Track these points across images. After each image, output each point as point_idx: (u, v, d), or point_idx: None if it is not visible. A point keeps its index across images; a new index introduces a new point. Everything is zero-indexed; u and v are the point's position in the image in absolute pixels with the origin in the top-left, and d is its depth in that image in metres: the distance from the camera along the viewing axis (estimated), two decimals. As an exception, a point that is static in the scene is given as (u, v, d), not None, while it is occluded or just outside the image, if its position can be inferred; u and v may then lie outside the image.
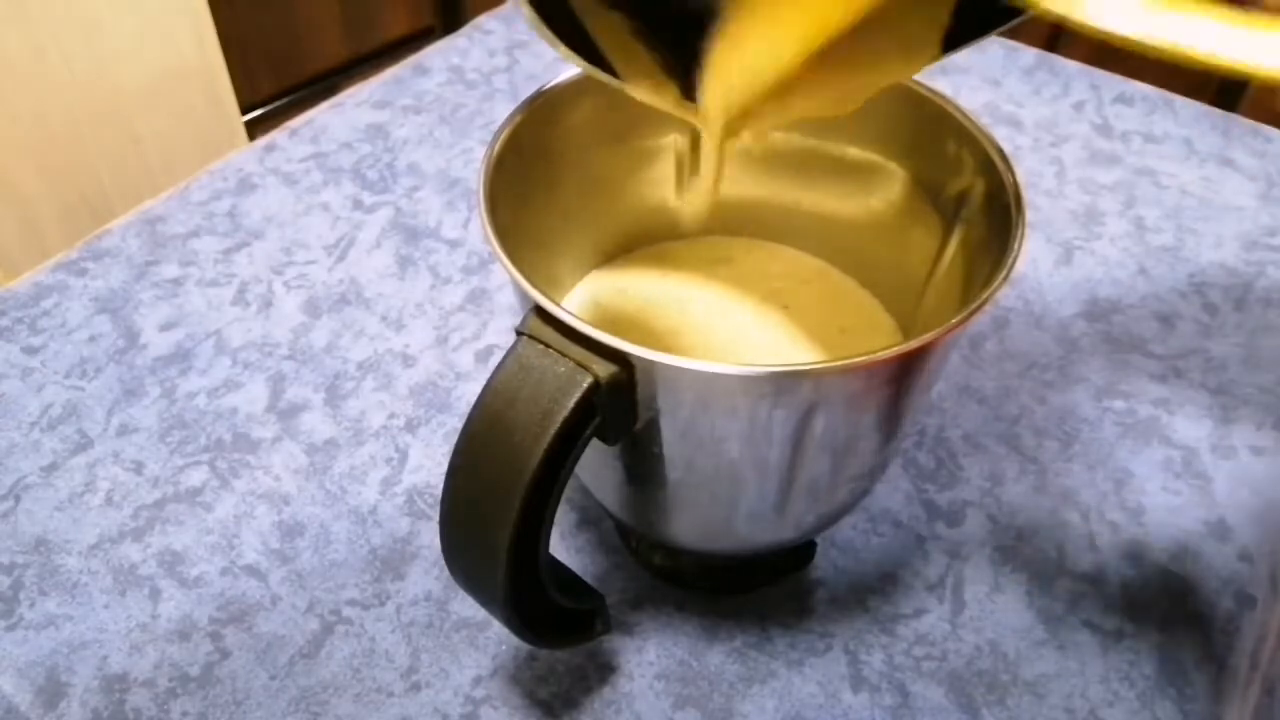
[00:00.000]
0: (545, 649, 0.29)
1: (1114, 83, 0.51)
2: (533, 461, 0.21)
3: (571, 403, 0.21)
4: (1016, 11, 0.18)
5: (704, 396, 0.22)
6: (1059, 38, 1.01)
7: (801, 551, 0.31)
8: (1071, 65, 0.52)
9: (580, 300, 0.31)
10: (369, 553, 0.32)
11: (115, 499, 0.33)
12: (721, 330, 0.29)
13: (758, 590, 0.31)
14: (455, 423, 0.35)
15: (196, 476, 0.34)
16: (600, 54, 0.24)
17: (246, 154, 0.46)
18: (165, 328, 0.38)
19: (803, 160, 0.30)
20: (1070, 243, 0.43)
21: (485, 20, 0.55)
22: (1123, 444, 0.35)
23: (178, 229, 0.42)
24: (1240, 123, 0.49)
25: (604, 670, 0.29)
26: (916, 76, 0.27)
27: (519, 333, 0.22)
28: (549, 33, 0.23)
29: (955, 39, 0.22)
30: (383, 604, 0.30)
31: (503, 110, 0.49)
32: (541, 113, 0.27)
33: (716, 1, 0.21)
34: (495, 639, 0.29)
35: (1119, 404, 0.36)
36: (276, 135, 0.47)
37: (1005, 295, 0.40)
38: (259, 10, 0.99)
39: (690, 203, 0.31)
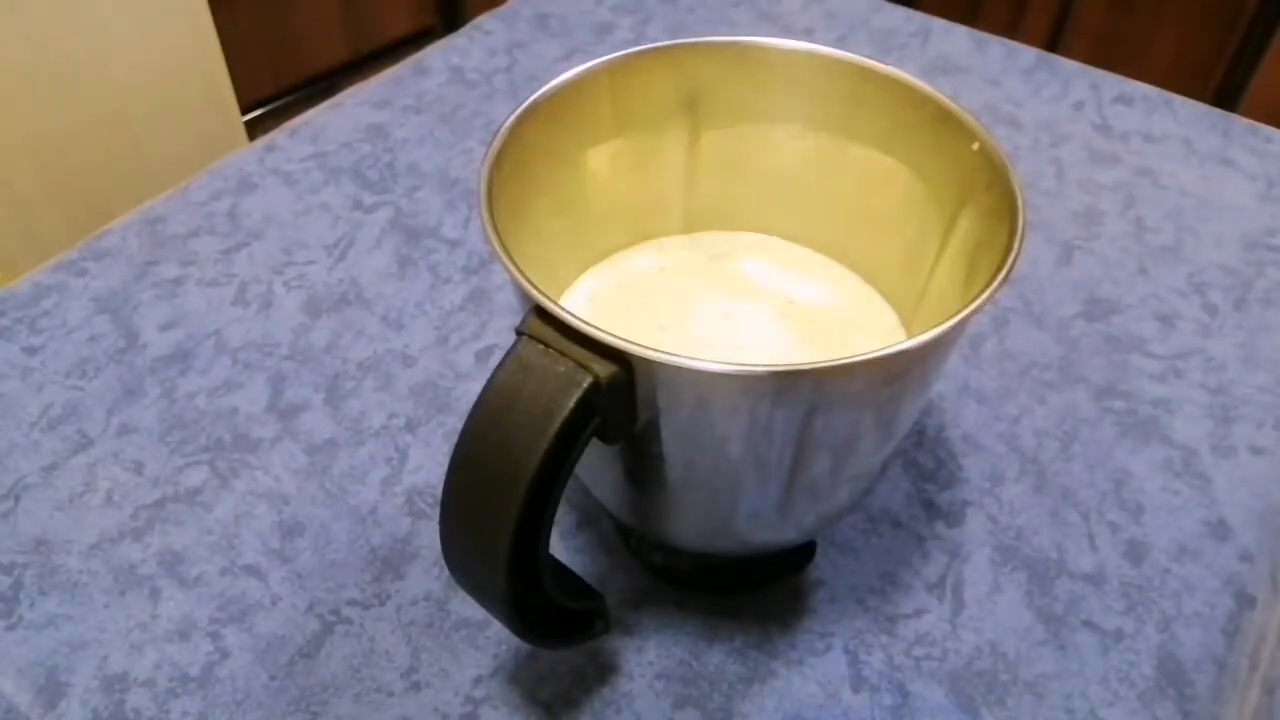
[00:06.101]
0: (545, 649, 0.29)
1: (1114, 83, 0.51)
2: (533, 461, 0.21)
3: (571, 403, 0.21)
4: None
5: (704, 396, 0.22)
6: (1059, 38, 1.01)
7: (801, 551, 0.31)
8: (1071, 65, 0.52)
9: (580, 298, 0.30)
10: (369, 553, 0.31)
11: (115, 499, 0.33)
12: (722, 327, 0.29)
13: (758, 590, 0.31)
14: (455, 423, 0.35)
15: (196, 476, 0.34)
16: None
17: (246, 154, 0.46)
18: (165, 328, 0.38)
19: (805, 156, 0.30)
20: (1070, 243, 0.43)
21: (485, 20, 0.55)
22: (1123, 444, 0.35)
23: (178, 229, 0.42)
24: (1240, 123, 0.49)
25: (604, 670, 0.29)
26: (918, 77, 0.27)
27: (519, 333, 0.22)
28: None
29: None
30: (383, 604, 0.30)
31: (503, 110, 0.49)
32: (541, 113, 0.27)
33: None
34: (495, 639, 0.29)
35: (1119, 404, 0.36)
36: (276, 135, 0.47)
37: (1005, 295, 0.40)
38: (259, 10, 0.99)
39: None
